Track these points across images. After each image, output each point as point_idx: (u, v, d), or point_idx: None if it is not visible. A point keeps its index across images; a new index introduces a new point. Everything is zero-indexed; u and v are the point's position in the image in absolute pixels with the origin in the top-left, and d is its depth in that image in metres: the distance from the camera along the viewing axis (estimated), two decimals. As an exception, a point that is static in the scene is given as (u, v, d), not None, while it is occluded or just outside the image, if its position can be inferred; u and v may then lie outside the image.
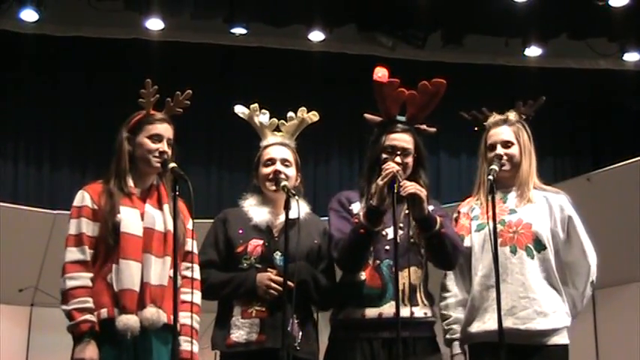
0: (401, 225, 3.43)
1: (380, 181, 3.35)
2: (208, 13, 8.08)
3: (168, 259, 3.27)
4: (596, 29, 8.25)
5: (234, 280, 3.48)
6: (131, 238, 3.22)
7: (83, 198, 3.30)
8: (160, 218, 3.32)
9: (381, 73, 3.51)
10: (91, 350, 3.11)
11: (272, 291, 3.40)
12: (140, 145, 3.35)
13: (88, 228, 3.25)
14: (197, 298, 3.34)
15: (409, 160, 3.52)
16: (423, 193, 3.37)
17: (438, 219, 3.42)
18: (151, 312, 3.19)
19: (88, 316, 3.14)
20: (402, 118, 3.58)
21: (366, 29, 8.27)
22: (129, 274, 3.18)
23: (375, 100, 3.57)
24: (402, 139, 3.53)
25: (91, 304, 3.17)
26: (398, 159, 3.48)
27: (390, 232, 3.42)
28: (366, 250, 3.44)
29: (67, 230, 3.28)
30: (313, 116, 3.74)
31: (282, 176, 3.54)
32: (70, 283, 3.18)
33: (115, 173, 3.34)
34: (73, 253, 3.22)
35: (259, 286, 3.41)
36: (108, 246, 3.23)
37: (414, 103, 3.54)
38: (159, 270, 3.25)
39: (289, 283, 3.29)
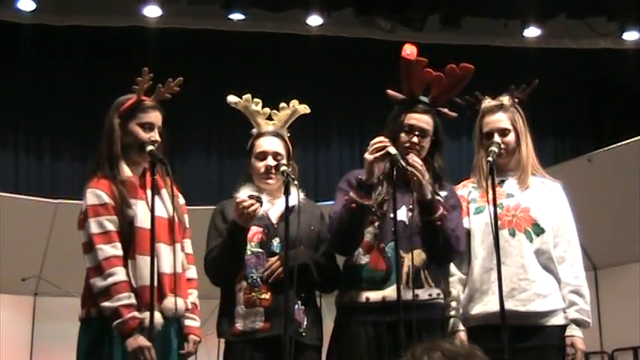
0: (410, 207, 3.42)
1: (368, 155, 3.31)
2: (206, -1, 8.07)
3: (178, 246, 3.26)
4: (595, 8, 8.22)
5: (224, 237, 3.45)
6: (145, 232, 3.18)
7: (100, 196, 3.19)
8: (161, 205, 3.28)
9: (409, 50, 3.40)
10: (142, 339, 3.06)
11: (248, 207, 3.31)
12: (131, 132, 3.27)
13: (112, 225, 3.18)
14: (193, 272, 3.38)
15: (426, 141, 3.45)
16: (423, 175, 3.34)
17: (440, 210, 3.35)
18: (171, 302, 3.17)
19: (135, 313, 3.08)
20: (425, 99, 3.52)
21: (364, 12, 8.23)
22: (147, 269, 3.13)
23: (399, 78, 3.44)
24: (422, 119, 3.46)
25: (134, 300, 3.11)
26: (415, 139, 3.42)
27: (398, 214, 3.39)
28: (357, 226, 3.38)
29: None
30: (304, 108, 3.72)
31: (273, 171, 3.52)
32: (110, 279, 3.10)
33: (107, 160, 3.26)
34: (104, 251, 3.13)
35: (236, 215, 3.35)
36: (123, 242, 3.17)
37: (439, 86, 3.46)
38: (171, 258, 3.21)
39: (279, 262, 3.34)
